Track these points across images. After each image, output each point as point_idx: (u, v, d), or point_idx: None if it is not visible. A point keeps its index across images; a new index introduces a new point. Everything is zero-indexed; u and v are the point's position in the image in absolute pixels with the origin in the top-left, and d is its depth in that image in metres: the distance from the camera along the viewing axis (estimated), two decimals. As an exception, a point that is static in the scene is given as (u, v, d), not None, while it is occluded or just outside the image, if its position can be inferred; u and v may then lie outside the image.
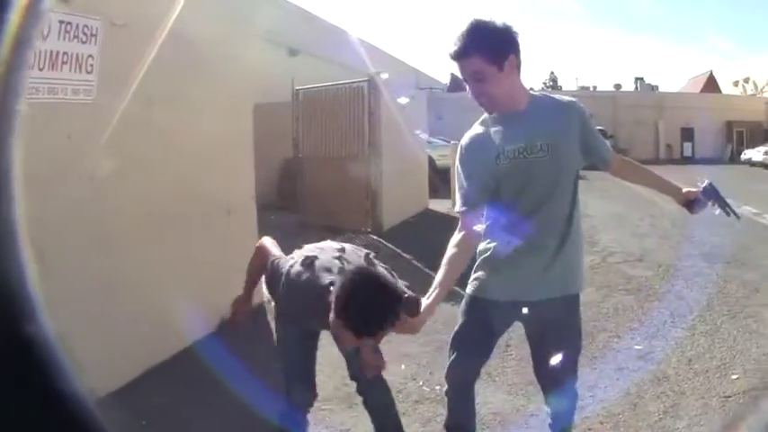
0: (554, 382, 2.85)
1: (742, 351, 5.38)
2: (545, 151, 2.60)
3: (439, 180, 14.99)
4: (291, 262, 2.76)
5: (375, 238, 9.44)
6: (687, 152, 39.75)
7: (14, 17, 0.59)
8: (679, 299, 7.08)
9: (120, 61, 3.99)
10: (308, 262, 2.71)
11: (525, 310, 2.72)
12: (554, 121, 2.68)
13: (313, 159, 10.75)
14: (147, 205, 4.46)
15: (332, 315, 2.32)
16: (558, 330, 2.80)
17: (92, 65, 3.71)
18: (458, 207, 2.80)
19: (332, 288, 2.41)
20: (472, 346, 2.86)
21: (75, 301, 3.13)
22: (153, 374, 4.62)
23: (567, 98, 2.87)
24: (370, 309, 2.28)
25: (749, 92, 45.68)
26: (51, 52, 3.42)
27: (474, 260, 2.81)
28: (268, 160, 10.31)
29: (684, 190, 3.00)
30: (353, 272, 2.46)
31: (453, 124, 29.09)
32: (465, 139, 2.80)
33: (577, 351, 2.92)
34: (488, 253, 2.75)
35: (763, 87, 43.43)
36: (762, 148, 31.36)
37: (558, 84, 67.55)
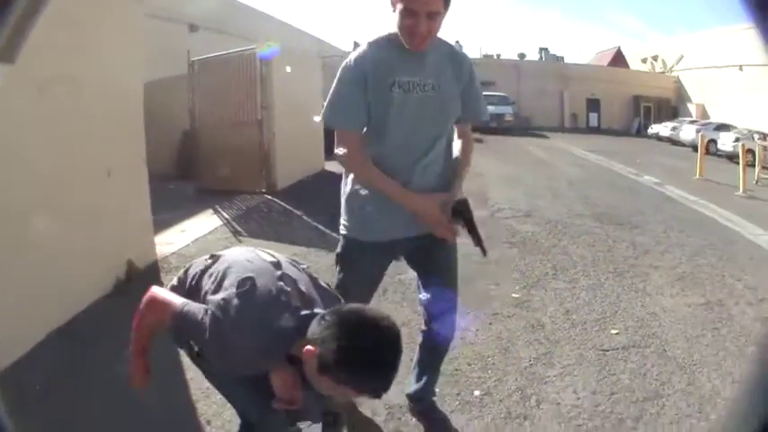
0: (436, 305, 3.07)
1: (625, 308, 5.41)
2: (435, 91, 2.77)
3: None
4: (216, 299, 2.10)
5: (269, 197, 10.06)
6: (593, 122, 41.45)
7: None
8: (564, 254, 7.15)
9: None
10: (245, 288, 2.09)
11: (404, 246, 2.95)
12: (448, 65, 2.85)
13: (209, 128, 11.35)
14: (33, 172, 4.21)
15: (320, 373, 1.91)
16: (438, 261, 3.03)
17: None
18: (345, 126, 2.83)
19: (305, 335, 1.97)
20: (360, 290, 2.87)
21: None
22: (51, 339, 4.24)
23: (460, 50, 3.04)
24: (387, 366, 1.90)
25: (658, 69, 47.59)
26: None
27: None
28: (167, 133, 11.16)
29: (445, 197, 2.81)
30: (350, 329, 1.92)
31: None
32: (358, 58, 2.77)
33: (456, 279, 3.13)
34: (366, 192, 2.86)
35: (673, 66, 45.32)
36: (669, 124, 33.05)
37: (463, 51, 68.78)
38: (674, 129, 31.25)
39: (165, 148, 10.83)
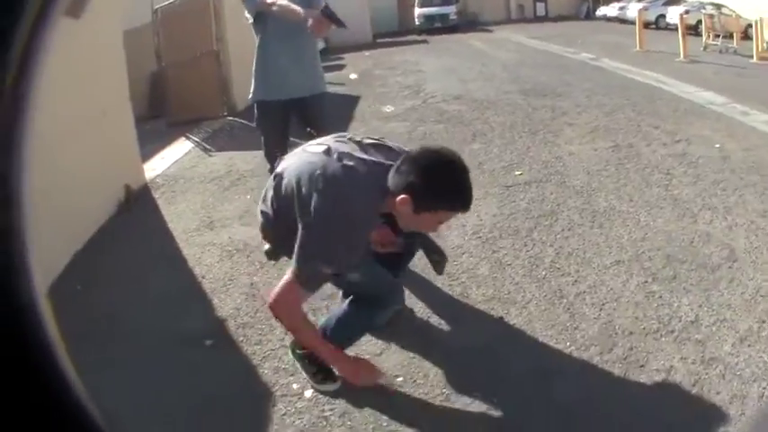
0: None
1: (533, 156, 6.29)
2: None
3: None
4: (308, 215, 2.49)
5: (231, 118, 11.38)
6: (540, 11, 42.12)
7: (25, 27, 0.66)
8: (484, 123, 8.05)
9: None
10: (322, 187, 2.49)
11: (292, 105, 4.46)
12: None
13: (174, 65, 12.73)
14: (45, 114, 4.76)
15: (417, 212, 2.43)
16: (318, 114, 4.50)
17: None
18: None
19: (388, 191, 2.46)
20: (277, 136, 4.55)
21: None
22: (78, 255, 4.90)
23: None
24: (468, 181, 2.46)
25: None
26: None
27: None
28: (139, 79, 11.81)
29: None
30: (434, 165, 2.45)
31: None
32: None
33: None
34: (265, 62, 4.45)
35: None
36: (616, 5, 33.82)
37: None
38: (621, 8, 31.97)
39: (138, 92, 11.46)
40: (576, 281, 3.80)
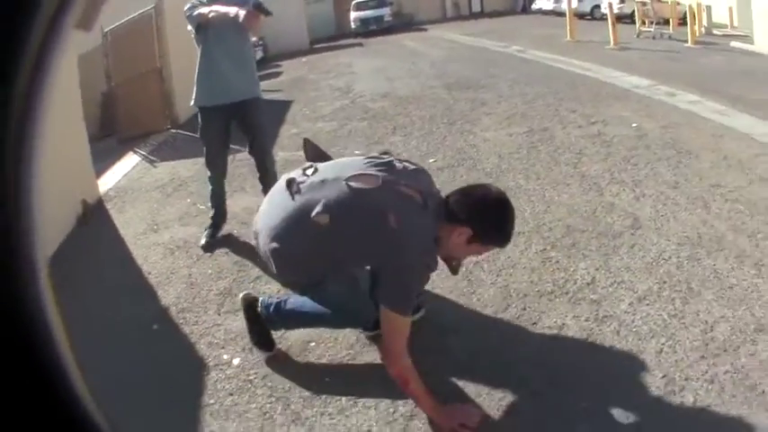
0: (262, 155, 4.99)
1: (449, 145, 6.59)
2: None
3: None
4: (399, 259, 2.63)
5: (174, 130, 11.90)
6: (476, 7, 42.87)
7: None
8: (405, 117, 8.37)
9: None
10: (402, 229, 2.62)
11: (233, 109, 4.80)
12: None
13: (122, 85, 13.51)
14: None
15: (468, 243, 2.69)
16: (254, 120, 4.90)
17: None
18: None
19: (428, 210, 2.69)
20: (219, 145, 4.98)
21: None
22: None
23: None
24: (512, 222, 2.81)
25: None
26: None
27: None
28: (90, 100, 12.25)
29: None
30: (493, 205, 2.75)
31: None
32: None
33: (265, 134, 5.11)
34: (207, 68, 4.78)
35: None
36: (551, -3, 34.89)
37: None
38: (556, 1, 32.76)
39: (91, 113, 12.04)
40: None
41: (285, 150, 7.53)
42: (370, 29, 33.96)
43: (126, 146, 10.60)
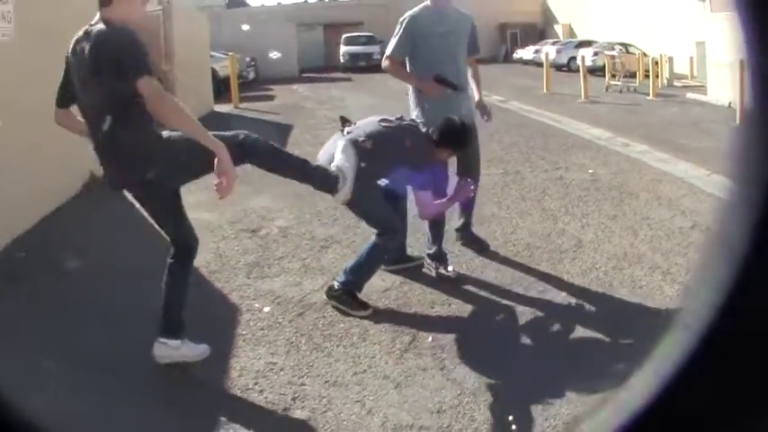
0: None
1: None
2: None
3: (222, 87, 19.44)
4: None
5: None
6: (461, 55, 44.65)
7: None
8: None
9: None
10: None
11: None
12: (461, 20, 5.29)
13: None
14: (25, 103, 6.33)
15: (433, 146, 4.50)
16: None
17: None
18: (390, 52, 5.20)
19: (422, 135, 4.58)
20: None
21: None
22: (43, 221, 6.55)
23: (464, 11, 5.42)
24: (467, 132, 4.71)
25: (524, -6, 51.26)
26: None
27: None
28: None
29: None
30: (446, 120, 4.53)
31: (232, 36, 29.49)
32: (413, 13, 5.15)
33: None
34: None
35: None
36: (532, 47, 36.39)
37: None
38: (536, 51, 34.38)
39: None
40: (456, 256, 5.42)
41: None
42: (359, 64, 35.24)
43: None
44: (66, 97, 3.66)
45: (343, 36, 38.51)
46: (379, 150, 4.25)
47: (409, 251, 5.25)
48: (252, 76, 28.27)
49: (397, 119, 4.62)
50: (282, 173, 3.95)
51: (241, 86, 20.23)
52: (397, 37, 5.13)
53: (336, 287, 4.47)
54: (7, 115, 5.92)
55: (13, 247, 5.77)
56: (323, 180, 3.98)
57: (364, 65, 34.51)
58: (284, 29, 35.09)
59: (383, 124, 4.47)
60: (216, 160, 3.30)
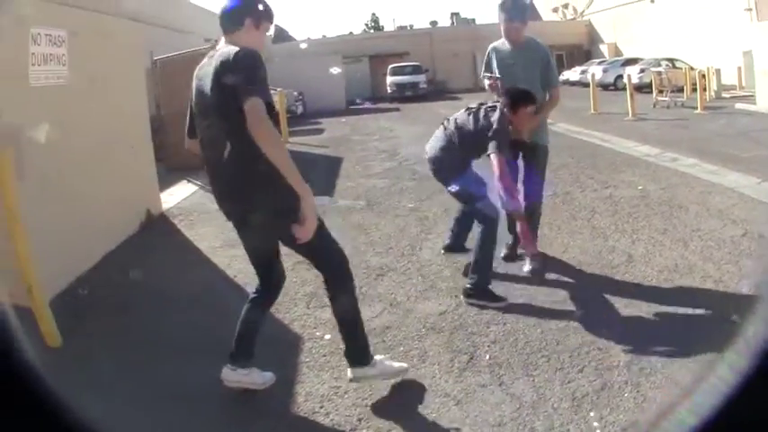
0: None
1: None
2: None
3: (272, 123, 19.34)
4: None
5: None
6: (507, 79, 45.02)
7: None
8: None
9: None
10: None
11: None
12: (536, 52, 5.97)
13: (172, 114, 13.74)
14: (90, 146, 6.91)
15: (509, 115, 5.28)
16: None
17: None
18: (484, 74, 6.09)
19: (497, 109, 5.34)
20: None
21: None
22: (103, 261, 6.93)
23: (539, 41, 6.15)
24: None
25: (569, 17, 51.50)
26: (44, 54, 6.03)
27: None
28: None
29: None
30: (506, 91, 5.49)
31: (279, 71, 30.43)
32: (495, 45, 6.12)
33: None
34: None
35: (583, 11, 49.16)
36: (578, 69, 36.49)
37: (380, 24, 78.63)
38: (582, 72, 34.41)
39: None
40: (507, 276, 5.63)
41: (345, 199, 9.35)
42: (406, 94, 35.57)
43: (175, 174, 11.92)
44: (193, 127, 3.94)
45: (389, 66, 38.66)
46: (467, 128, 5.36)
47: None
48: (300, 110, 28.63)
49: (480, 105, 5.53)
50: (341, 314, 3.87)
51: (289, 121, 20.52)
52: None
53: (470, 288, 5.12)
54: (66, 156, 6.27)
55: (77, 284, 6.14)
56: (355, 351, 3.88)
57: (411, 94, 35.06)
58: (332, 63, 35.27)
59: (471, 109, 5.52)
60: (302, 203, 3.30)
